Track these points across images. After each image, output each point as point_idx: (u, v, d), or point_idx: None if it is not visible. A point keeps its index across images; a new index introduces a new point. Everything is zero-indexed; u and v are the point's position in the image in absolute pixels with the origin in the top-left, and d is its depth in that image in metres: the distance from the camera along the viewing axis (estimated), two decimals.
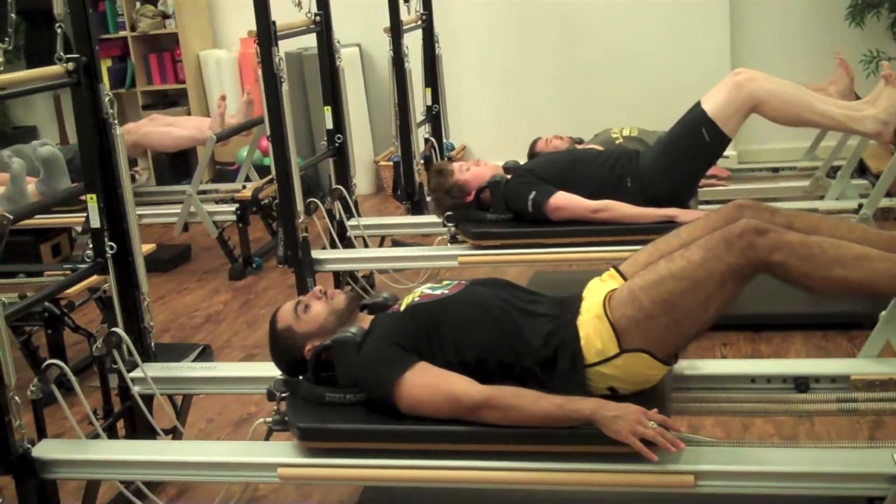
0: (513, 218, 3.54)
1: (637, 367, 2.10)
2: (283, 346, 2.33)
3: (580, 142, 4.30)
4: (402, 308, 2.29)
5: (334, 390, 2.23)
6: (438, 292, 2.29)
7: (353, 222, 4.08)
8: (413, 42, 4.88)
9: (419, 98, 5.03)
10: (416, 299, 2.29)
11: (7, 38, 2.53)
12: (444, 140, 5.18)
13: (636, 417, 1.97)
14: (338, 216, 4.03)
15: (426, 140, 5.10)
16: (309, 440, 2.20)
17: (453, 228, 3.62)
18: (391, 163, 5.12)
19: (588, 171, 3.50)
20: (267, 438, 2.40)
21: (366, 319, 2.34)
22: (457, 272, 3.81)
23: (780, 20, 5.56)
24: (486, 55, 6.06)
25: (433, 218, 4.48)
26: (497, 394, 2.06)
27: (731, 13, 5.61)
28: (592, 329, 2.12)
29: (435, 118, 5.16)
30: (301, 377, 2.30)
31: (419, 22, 5.00)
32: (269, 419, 2.30)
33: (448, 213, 3.62)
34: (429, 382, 2.11)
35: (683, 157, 3.33)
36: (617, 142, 4.16)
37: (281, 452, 2.25)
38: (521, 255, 3.50)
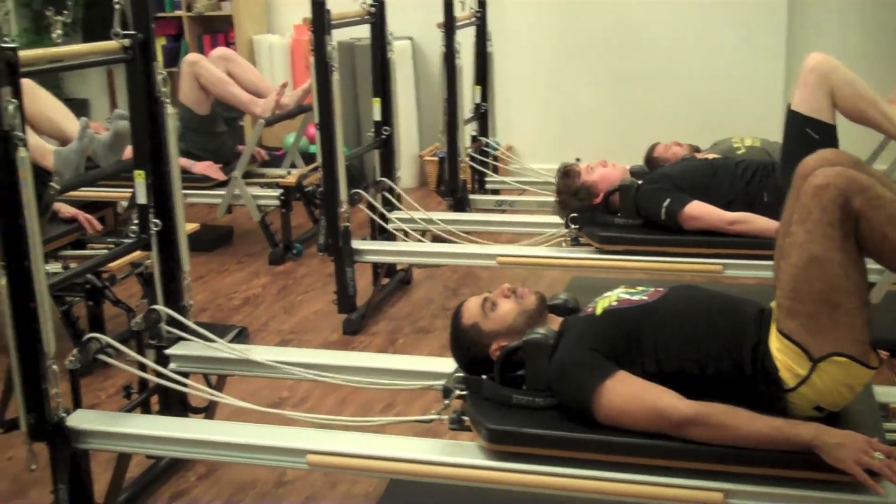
0: (642, 224, 3.44)
1: (836, 375, 1.96)
2: (467, 343, 2.25)
3: (698, 150, 4.16)
4: (598, 312, 2.19)
5: (522, 393, 2.15)
6: (637, 298, 2.19)
7: (396, 215, 4.09)
8: (465, 39, 4.89)
9: (468, 95, 5.03)
10: (614, 304, 2.19)
11: (66, 12, 2.57)
12: (490, 138, 5.17)
13: (861, 446, 1.85)
14: (380, 208, 4.04)
15: (474, 138, 5.10)
16: (499, 443, 2.10)
17: (576, 231, 3.51)
18: (436, 158, 5.11)
19: (726, 180, 3.38)
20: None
21: (555, 321, 2.26)
22: (496, 272, 3.79)
23: (838, 35, 5.44)
24: (538, 57, 6.02)
25: (476, 216, 4.49)
26: (708, 411, 1.95)
27: (787, 27, 5.53)
28: (781, 354, 2.01)
29: (482, 116, 5.15)
30: (484, 376, 2.21)
31: (473, 19, 4.99)
32: (445, 416, 2.24)
33: (573, 214, 3.51)
34: (632, 393, 2.01)
35: None
36: (738, 152, 3.99)
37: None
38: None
